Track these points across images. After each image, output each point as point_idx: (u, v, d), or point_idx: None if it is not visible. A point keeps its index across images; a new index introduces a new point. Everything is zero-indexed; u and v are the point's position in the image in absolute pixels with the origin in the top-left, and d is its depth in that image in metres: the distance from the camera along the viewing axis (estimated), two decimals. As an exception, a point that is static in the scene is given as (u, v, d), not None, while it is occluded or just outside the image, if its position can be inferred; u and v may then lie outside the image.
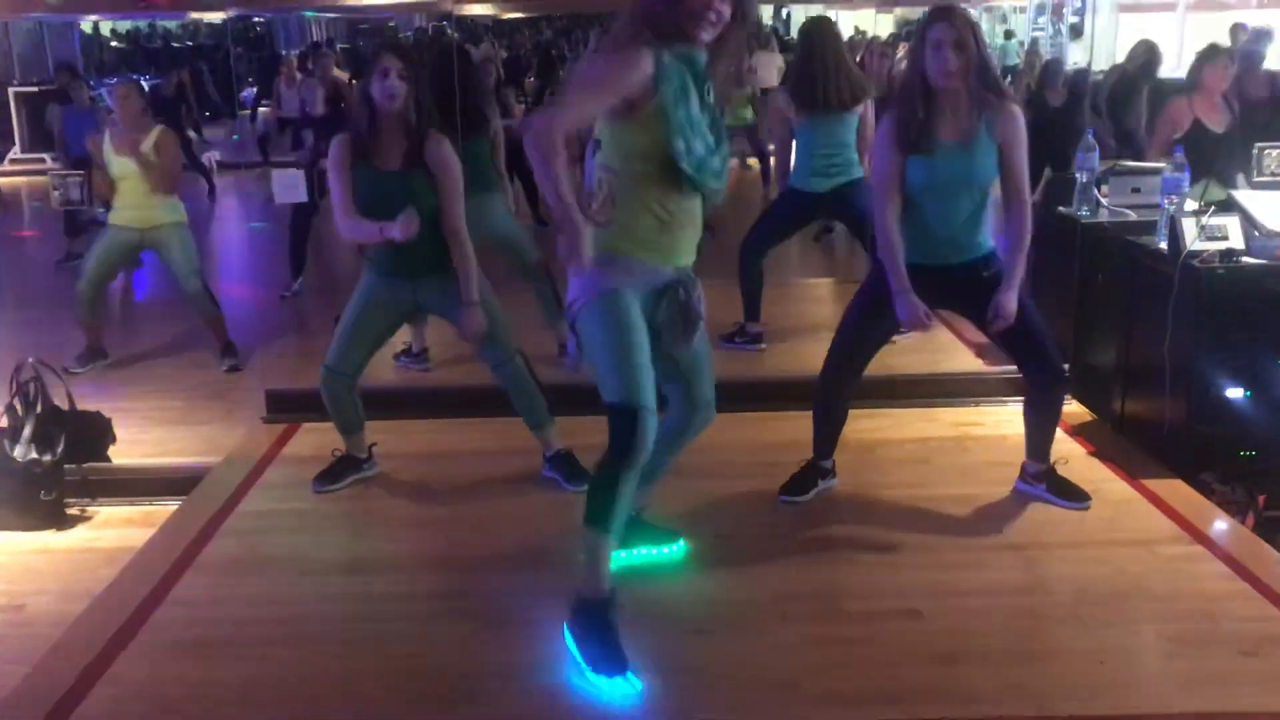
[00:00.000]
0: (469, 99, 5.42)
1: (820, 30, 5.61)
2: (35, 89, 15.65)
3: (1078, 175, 5.06)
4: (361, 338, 4.23)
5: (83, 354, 6.33)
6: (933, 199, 3.76)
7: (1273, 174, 4.91)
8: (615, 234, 3.03)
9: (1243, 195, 4.44)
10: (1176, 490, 4.15)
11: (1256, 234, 4.23)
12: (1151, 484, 4.20)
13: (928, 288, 3.80)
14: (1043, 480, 4.13)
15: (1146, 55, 9.67)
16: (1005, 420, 4.83)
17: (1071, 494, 4.09)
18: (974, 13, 19.10)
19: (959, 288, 3.88)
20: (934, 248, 3.82)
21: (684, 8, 2.92)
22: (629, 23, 2.97)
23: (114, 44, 20.89)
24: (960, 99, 3.66)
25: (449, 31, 13.35)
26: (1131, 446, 4.56)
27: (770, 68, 12.89)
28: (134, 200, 6.18)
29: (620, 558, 3.54)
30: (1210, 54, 5.80)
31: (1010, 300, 3.75)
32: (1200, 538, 3.80)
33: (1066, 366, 5.09)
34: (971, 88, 3.63)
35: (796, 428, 4.76)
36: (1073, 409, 5.02)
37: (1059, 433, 4.73)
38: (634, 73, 2.88)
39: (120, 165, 6.14)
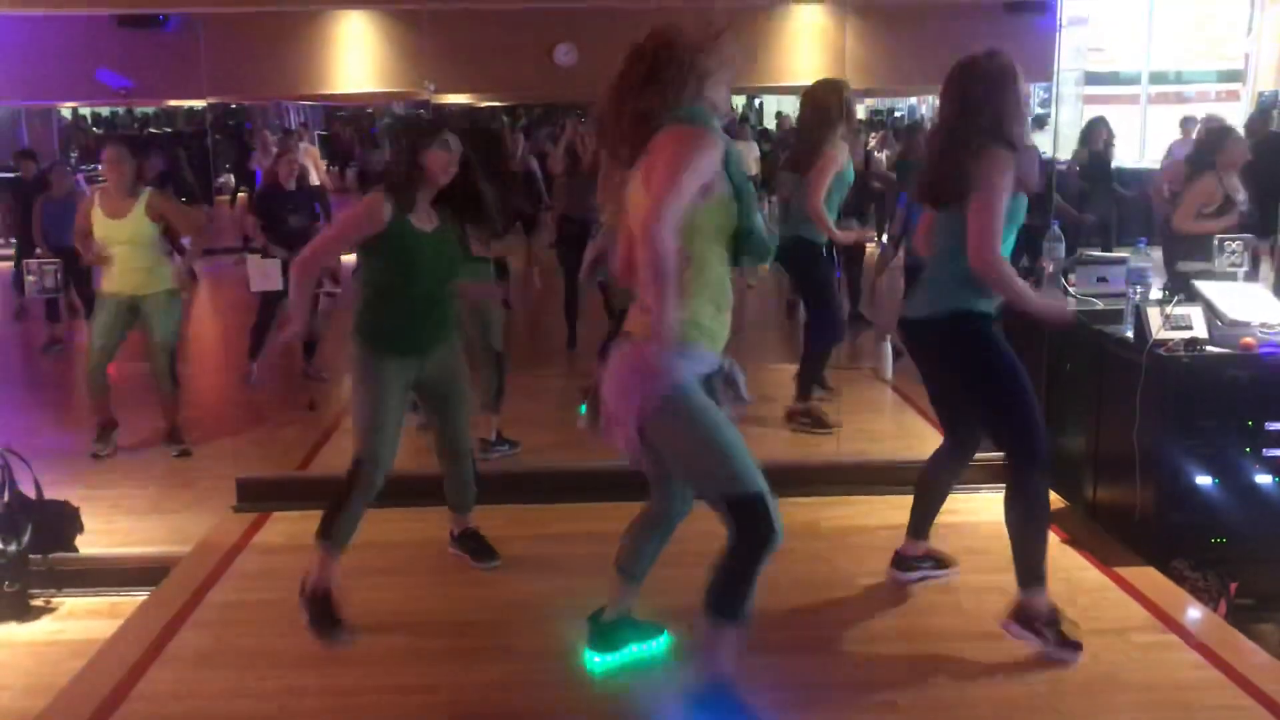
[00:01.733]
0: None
1: (806, 96, 5.86)
2: (11, 175, 15.66)
3: (1045, 264, 5.14)
4: (394, 425, 3.97)
5: (99, 436, 6.29)
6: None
7: (1232, 265, 5.01)
8: (683, 323, 2.92)
9: (1206, 286, 4.53)
10: (1149, 578, 4.16)
11: (1219, 323, 4.31)
12: (1124, 571, 4.21)
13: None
14: (929, 558, 4.20)
15: (1107, 128, 9.84)
16: (980, 508, 4.84)
17: (946, 560, 4.19)
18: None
19: None
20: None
21: (725, 76, 2.99)
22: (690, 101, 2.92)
23: (94, 129, 21.00)
24: None
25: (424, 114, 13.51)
26: (1104, 534, 4.58)
27: (749, 157, 13.29)
28: (123, 265, 6.15)
29: (609, 660, 3.55)
30: (1227, 131, 6.00)
31: None
32: (1173, 626, 3.81)
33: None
34: None
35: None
36: (1045, 495, 5.05)
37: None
38: (714, 156, 2.86)
39: (108, 230, 6.11)
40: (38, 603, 4.70)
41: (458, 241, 4.12)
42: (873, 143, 11.88)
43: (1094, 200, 10.07)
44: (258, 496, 5.09)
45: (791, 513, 4.84)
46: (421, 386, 4.12)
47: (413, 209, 3.93)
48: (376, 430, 3.86)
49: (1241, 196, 5.94)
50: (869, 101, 20.73)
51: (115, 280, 6.20)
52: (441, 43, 13.27)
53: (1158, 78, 16.69)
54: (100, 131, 20.11)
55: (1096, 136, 10.27)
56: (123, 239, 6.11)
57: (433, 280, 4.01)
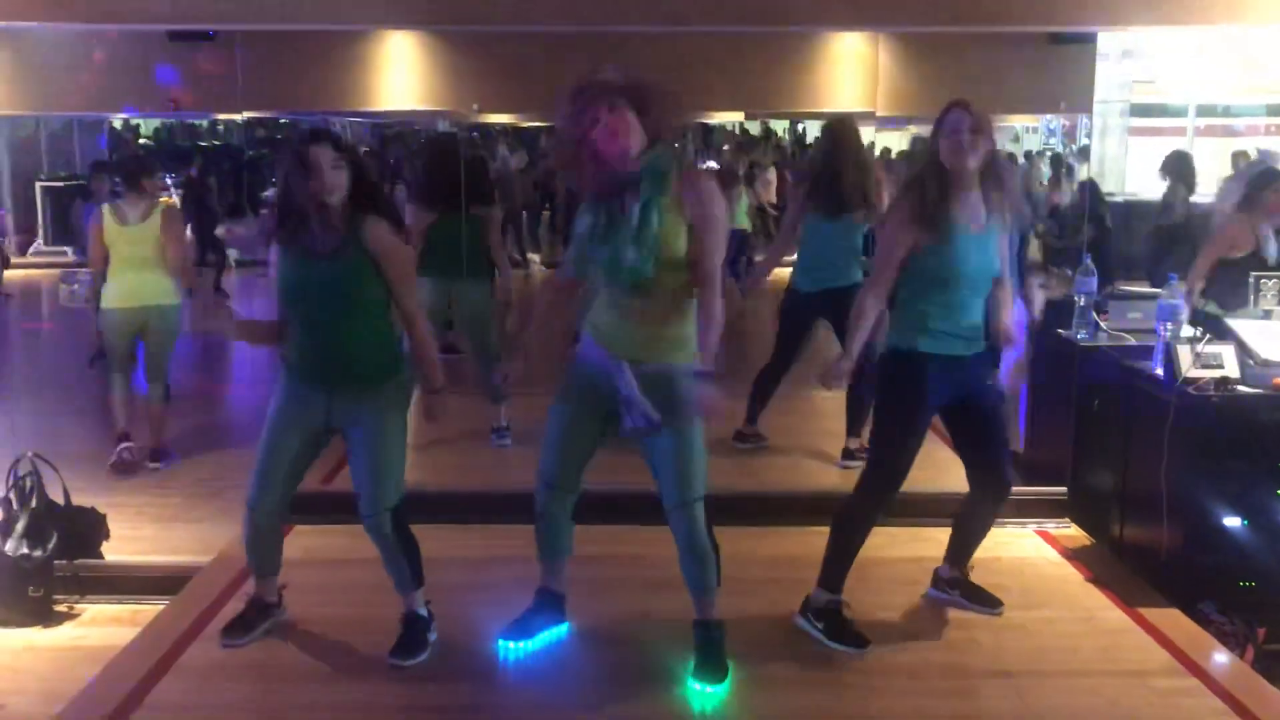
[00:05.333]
0: (466, 182, 5.86)
1: (844, 130, 5.62)
2: (61, 184, 15.99)
3: (1076, 298, 5.09)
4: (276, 464, 3.75)
5: (154, 450, 6.34)
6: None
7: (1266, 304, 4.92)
8: None
9: (1238, 324, 4.46)
10: (1173, 620, 4.08)
11: (1251, 363, 4.24)
12: (1148, 612, 4.13)
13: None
14: (956, 587, 4.20)
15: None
16: (1001, 542, 4.78)
17: (984, 600, 4.16)
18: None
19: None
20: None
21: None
22: None
23: (142, 140, 21.35)
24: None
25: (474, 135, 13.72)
26: (1129, 573, 4.50)
27: (768, 186, 13.51)
28: (127, 276, 6.15)
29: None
30: (1271, 176, 5.62)
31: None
32: (1196, 671, 3.73)
33: (1065, 489, 5.11)
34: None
35: (795, 543, 4.77)
36: (1070, 532, 4.99)
37: (1056, 556, 4.72)
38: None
39: (121, 238, 6.11)
40: (61, 608, 4.74)
41: (360, 264, 3.61)
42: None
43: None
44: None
45: (814, 542, 4.84)
46: (336, 431, 3.79)
47: (301, 232, 3.59)
48: (258, 455, 3.76)
49: (1273, 249, 5.61)
50: (911, 129, 20.67)
51: (123, 293, 6.16)
52: (486, 63, 13.39)
53: (1206, 111, 16.54)
54: (148, 142, 20.45)
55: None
56: (128, 248, 6.12)
57: (314, 310, 3.65)
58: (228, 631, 3.92)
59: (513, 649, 3.77)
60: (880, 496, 4.02)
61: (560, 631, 3.88)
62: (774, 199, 13.93)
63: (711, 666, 3.57)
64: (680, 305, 3.51)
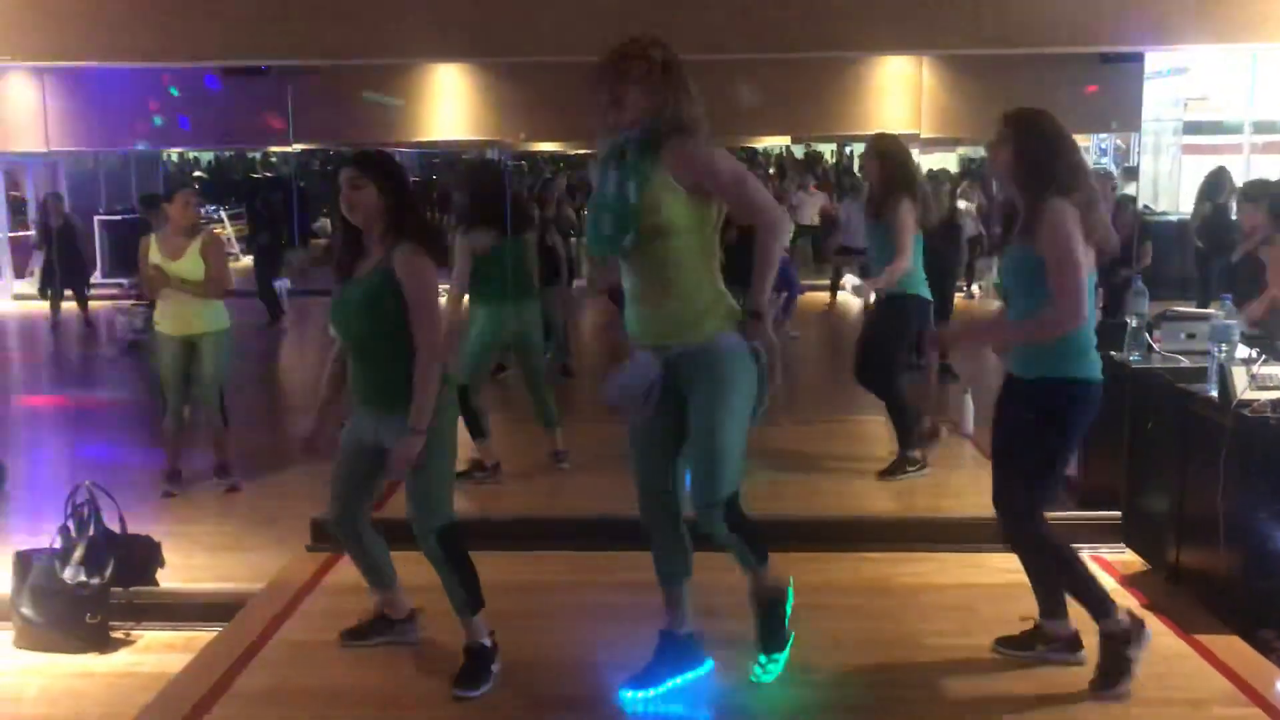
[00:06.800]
0: (511, 203, 5.99)
1: (898, 144, 5.87)
2: (119, 217, 16.38)
3: (1129, 319, 5.02)
4: (342, 482, 3.92)
5: (169, 478, 6.43)
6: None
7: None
8: None
9: (1295, 344, 4.38)
10: (1232, 647, 3.99)
11: (1310, 384, 4.16)
12: (1206, 639, 4.05)
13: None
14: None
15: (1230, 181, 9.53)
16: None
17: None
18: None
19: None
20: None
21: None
22: None
23: (197, 173, 21.78)
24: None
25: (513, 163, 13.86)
26: (1186, 599, 4.41)
27: (813, 207, 13.56)
28: (176, 308, 6.27)
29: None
30: None
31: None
32: (1256, 699, 3.64)
33: (1120, 514, 5.03)
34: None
35: (836, 569, 4.71)
36: (1126, 558, 4.92)
37: (1112, 581, 4.63)
38: None
39: (167, 270, 6.22)
40: (117, 635, 4.81)
41: (381, 286, 3.64)
42: (960, 189, 11.87)
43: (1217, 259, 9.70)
44: (331, 537, 5.13)
45: (862, 568, 4.83)
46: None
47: (345, 256, 3.78)
48: (332, 473, 3.96)
49: None
50: (961, 150, 20.55)
51: (171, 321, 6.29)
52: (531, 93, 13.52)
53: (1264, 127, 16.28)
54: (201, 174, 20.86)
55: (1221, 189, 9.90)
56: (175, 278, 6.23)
57: (343, 331, 3.81)
58: (347, 632, 4.08)
59: (638, 699, 3.55)
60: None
61: (700, 672, 3.65)
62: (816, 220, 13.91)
63: (770, 635, 3.60)
64: (674, 281, 3.38)
